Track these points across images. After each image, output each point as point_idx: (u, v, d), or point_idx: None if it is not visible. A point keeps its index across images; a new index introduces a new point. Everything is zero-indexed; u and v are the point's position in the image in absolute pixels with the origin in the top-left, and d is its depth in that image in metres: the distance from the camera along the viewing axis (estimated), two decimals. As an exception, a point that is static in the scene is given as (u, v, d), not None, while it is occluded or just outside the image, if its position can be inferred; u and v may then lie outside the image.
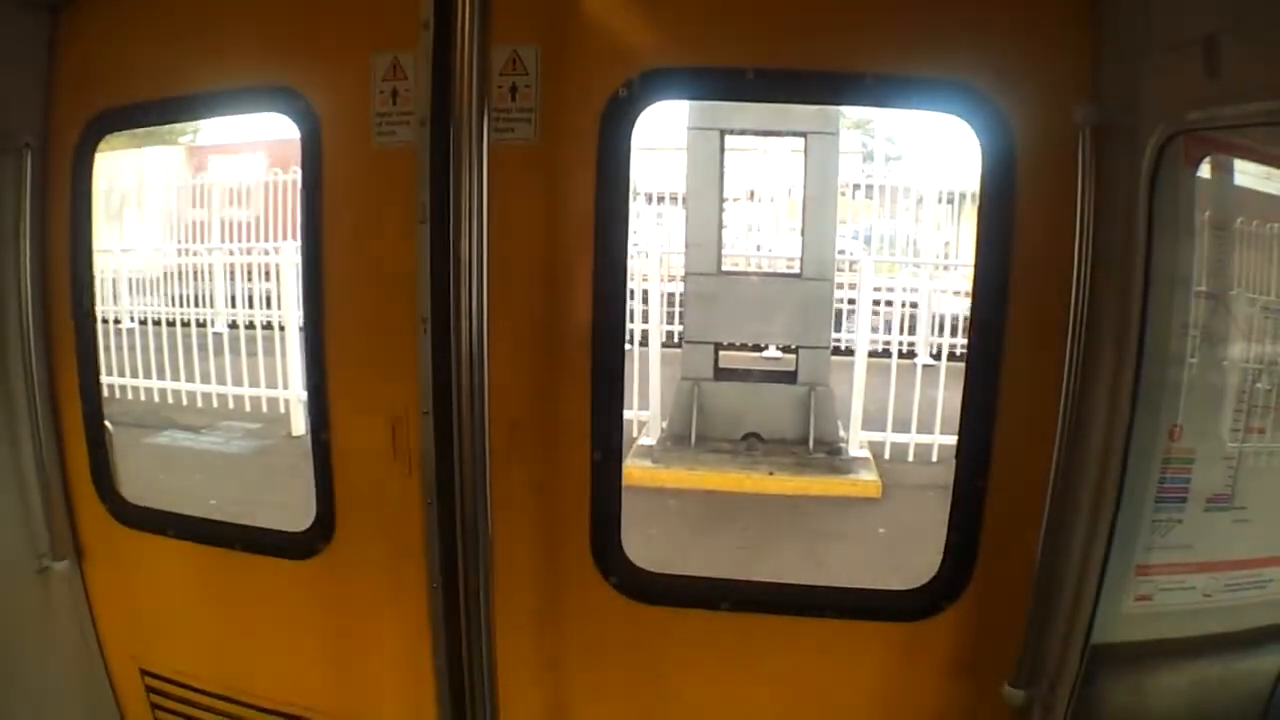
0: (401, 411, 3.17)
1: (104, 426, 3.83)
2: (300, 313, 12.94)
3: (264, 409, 13.10)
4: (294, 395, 12.80)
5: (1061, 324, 2.76)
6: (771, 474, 11.13)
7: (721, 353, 12.60)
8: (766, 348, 14.38)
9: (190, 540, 3.75)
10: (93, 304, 3.75)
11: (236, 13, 3.29)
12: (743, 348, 13.93)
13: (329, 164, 3.22)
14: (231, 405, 13.07)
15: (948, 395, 11.71)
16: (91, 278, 3.72)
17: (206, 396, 13.19)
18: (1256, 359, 2.78)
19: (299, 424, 12.65)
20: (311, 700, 3.72)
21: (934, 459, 11.78)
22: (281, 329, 13.39)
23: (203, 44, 3.34)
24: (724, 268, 12.14)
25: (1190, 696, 2.83)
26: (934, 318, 14.04)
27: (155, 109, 3.52)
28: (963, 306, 13.79)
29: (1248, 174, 2.70)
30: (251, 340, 13.75)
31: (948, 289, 14.60)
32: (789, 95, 3.45)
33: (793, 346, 12.59)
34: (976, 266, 3.06)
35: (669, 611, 3.34)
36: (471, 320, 2.59)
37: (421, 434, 2.98)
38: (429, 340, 2.91)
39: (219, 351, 13.53)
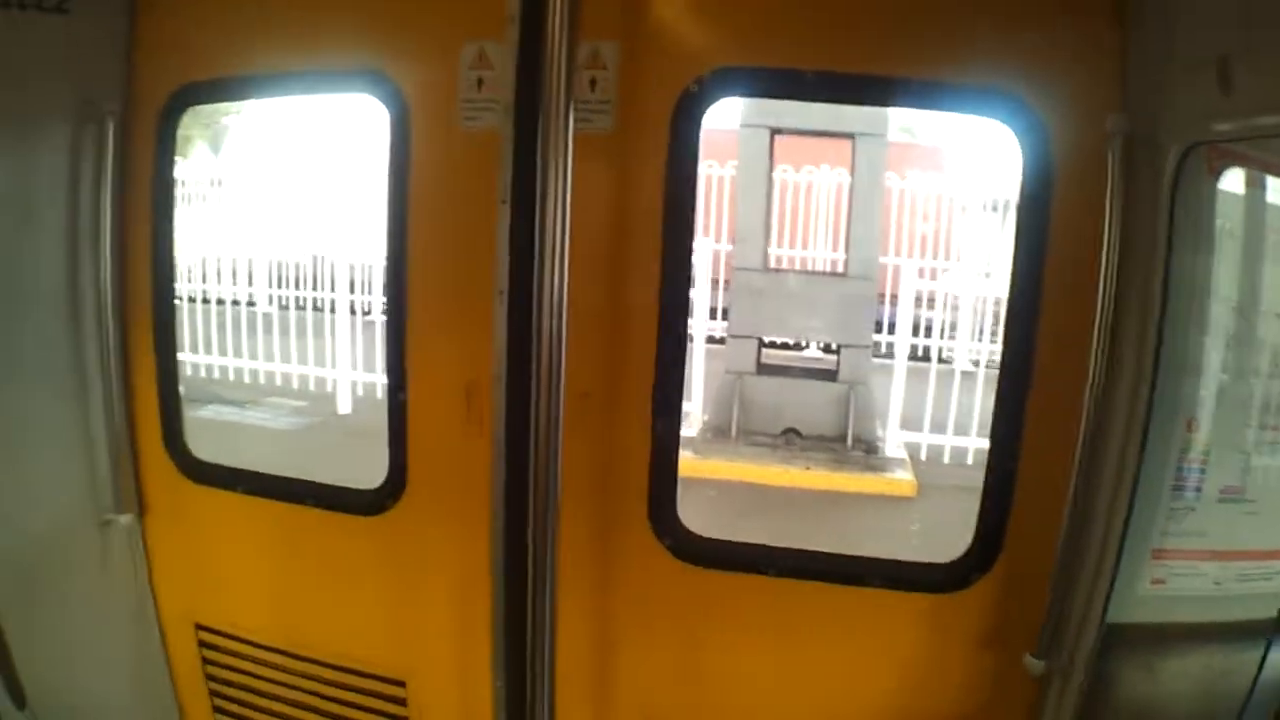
0: (476, 376, 3.30)
1: (177, 385, 3.96)
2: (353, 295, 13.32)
3: (311, 386, 13.43)
4: (342, 374, 13.14)
5: (1089, 322, 2.93)
6: (809, 469, 11.28)
7: (764, 350, 12.77)
8: (807, 346, 14.52)
9: (259, 495, 3.88)
10: (173, 270, 3.91)
11: None
12: (784, 346, 14.09)
13: (416, 145, 3.38)
14: (279, 382, 13.42)
15: (985, 401, 11.82)
16: (171, 245, 3.86)
17: (254, 373, 13.55)
18: (1275, 362, 2.96)
19: (345, 402, 13.02)
20: (367, 653, 3.83)
21: (969, 461, 11.90)
22: (334, 310, 13.69)
23: (290, 23, 3.50)
24: (770, 264, 12.29)
25: (1200, 680, 2.99)
26: (976, 323, 14.15)
27: (239, 84, 3.67)
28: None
29: (1269, 187, 2.88)
30: (300, 320, 14.09)
31: (989, 296, 14.69)
32: (844, 96, 3.59)
33: (834, 346, 12.77)
34: (1014, 264, 3.20)
35: (718, 575, 3.50)
36: (551, 294, 2.74)
37: (494, 398, 3.14)
38: (505, 311, 3.07)
39: (268, 330, 13.85)
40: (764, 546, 3.69)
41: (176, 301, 4.03)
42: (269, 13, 3.51)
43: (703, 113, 3.24)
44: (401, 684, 3.81)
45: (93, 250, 3.63)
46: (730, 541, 3.68)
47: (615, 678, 3.64)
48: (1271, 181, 2.85)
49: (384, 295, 3.74)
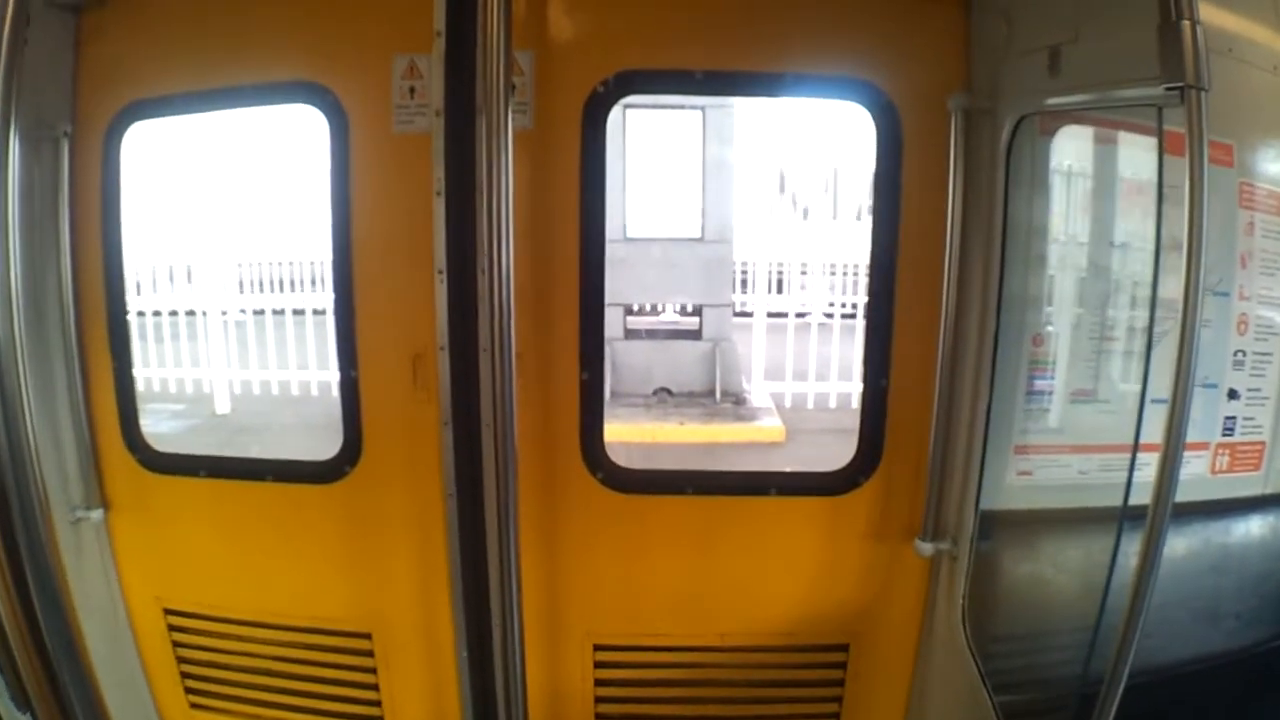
0: (421, 349, 3.62)
1: (133, 385, 4.06)
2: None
3: (188, 389, 13.38)
4: (218, 376, 13.20)
5: (941, 259, 3.49)
6: (683, 424, 11.72)
7: (628, 316, 13.28)
8: (664, 310, 14.99)
9: (222, 478, 4.01)
10: (123, 277, 4.00)
11: (263, 15, 3.67)
12: (642, 311, 14.54)
13: (355, 149, 3.65)
14: (157, 387, 13.29)
15: (840, 350, 12.61)
16: (121, 253, 3.95)
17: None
18: (1110, 283, 3.50)
19: (223, 403, 13.09)
20: (332, 611, 4.00)
21: (831, 405, 12.60)
22: (205, 314, 13.71)
23: (231, 42, 3.69)
24: (629, 234, 12.69)
25: (1080, 559, 3.50)
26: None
27: (183, 101, 3.80)
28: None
29: (1087, 140, 3.47)
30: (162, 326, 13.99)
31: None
32: (730, 91, 3.96)
33: (690, 308, 13.42)
34: (874, 216, 3.71)
35: (645, 499, 3.89)
36: (496, 270, 3.07)
37: (439, 366, 3.49)
38: (445, 288, 3.44)
39: (141, 338, 13.55)
40: (681, 470, 4.08)
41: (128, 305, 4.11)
42: (208, 34, 3.71)
43: (609, 110, 3.63)
44: (367, 636, 4.02)
45: (54, 263, 3.77)
46: (652, 470, 4.06)
47: (564, 608, 3.97)
48: (1094, 137, 3.44)
49: (332, 283, 3.94)
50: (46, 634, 3.30)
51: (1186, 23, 2.30)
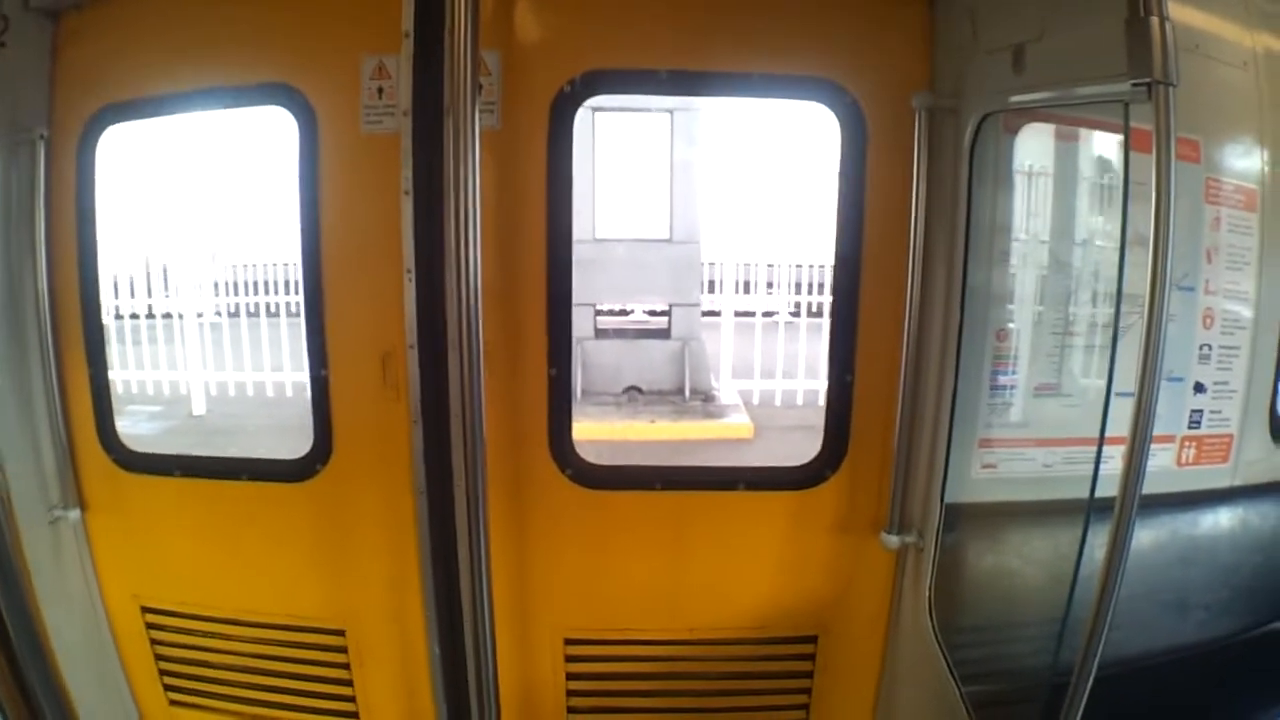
0: (390, 348, 3.63)
1: (109, 386, 4.07)
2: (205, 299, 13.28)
3: (165, 391, 13.40)
4: (193, 378, 13.23)
5: (905, 256, 3.53)
6: (653, 422, 11.79)
7: (598, 316, 13.33)
8: (633, 311, 15.05)
9: (197, 477, 4.03)
10: (98, 279, 3.99)
11: (234, 17, 3.66)
12: (611, 312, 14.60)
13: (324, 149, 3.65)
14: (135, 390, 13.29)
15: (806, 348, 12.68)
16: (97, 256, 3.94)
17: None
18: (1072, 279, 3.56)
19: (199, 404, 13.10)
20: (306, 609, 4.03)
21: (799, 402, 12.67)
22: (181, 317, 13.75)
23: (203, 45, 3.68)
24: (599, 235, 12.76)
25: (1045, 551, 3.52)
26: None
27: (155, 103, 3.80)
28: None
29: (1051, 137, 3.51)
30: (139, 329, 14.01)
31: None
32: (695, 91, 3.98)
33: (660, 309, 13.49)
34: (838, 214, 3.73)
35: (615, 495, 3.92)
36: (464, 269, 3.08)
37: (408, 363, 3.50)
38: (414, 287, 3.45)
39: (119, 340, 13.61)
40: (651, 466, 4.14)
41: (102, 307, 4.08)
42: (180, 37, 3.71)
43: (576, 109, 3.64)
44: (341, 633, 4.04)
45: (30, 265, 3.77)
46: (621, 465, 4.07)
47: (535, 603, 3.99)
48: (1058, 134, 3.48)
49: (301, 283, 3.94)
50: (13, 634, 3.30)
51: (1155, 19, 2.33)
